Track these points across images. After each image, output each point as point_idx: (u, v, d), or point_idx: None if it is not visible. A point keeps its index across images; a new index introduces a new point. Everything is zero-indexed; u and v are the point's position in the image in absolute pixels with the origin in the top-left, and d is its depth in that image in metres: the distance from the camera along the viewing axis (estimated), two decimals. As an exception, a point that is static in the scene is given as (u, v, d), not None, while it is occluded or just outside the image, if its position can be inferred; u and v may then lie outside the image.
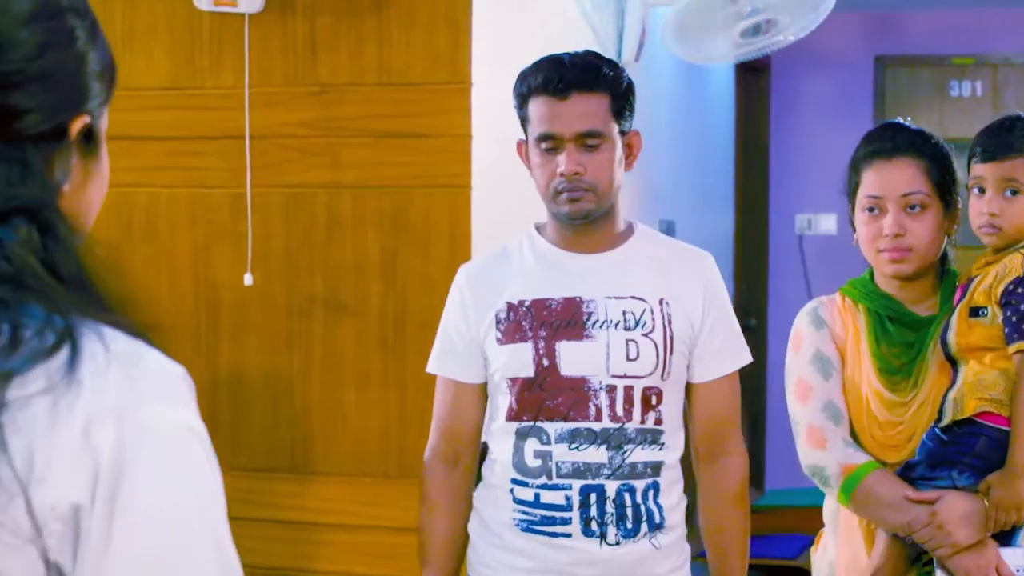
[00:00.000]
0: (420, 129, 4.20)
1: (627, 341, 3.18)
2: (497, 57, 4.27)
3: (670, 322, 3.21)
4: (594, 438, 3.16)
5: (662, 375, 3.21)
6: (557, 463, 3.17)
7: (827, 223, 9.10)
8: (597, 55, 3.27)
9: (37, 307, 1.36)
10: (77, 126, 1.47)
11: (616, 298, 3.21)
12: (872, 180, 3.29)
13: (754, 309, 8.90)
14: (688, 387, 3.31)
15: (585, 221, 3.21)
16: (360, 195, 4.28)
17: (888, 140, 3.31)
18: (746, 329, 3.62)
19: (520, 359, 3.20)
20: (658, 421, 3.21)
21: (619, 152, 3.20)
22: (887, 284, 3.34)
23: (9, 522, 1.25)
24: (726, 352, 3.30)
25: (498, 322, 3.24)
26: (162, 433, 1.38)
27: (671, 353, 3.21)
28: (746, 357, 3.36)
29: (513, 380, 3.22)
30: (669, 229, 6.65)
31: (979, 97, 9.03)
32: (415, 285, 4.23)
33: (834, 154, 9.14)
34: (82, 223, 1.50)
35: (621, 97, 3.20)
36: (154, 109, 4.45)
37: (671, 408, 3.24)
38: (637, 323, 3.19)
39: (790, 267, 9.07)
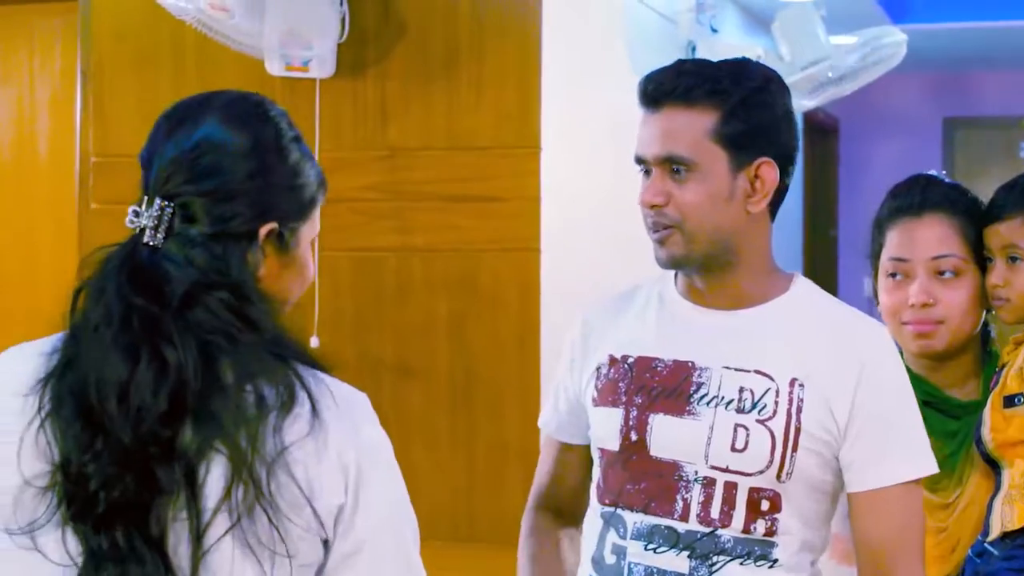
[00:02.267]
0: (489, 192, 4.21)
1: (736, 426, 2.46)
2: (566, 120, 4.28)
3: (799, 410, 2.45)
4: (675, 540, 2.48)
5: (779, 475, 2.45)
6: (630, 564, 2.51)
7: (897, 285, 9.04)
8: (738, 62, 2.56)
9: (253, 358, 1.86)
10: (264, 231, 1.96)
11: (736, 370, 2.50)
12: (897, 241, 2.84)
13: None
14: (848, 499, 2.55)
15: (682, 269, 2.56)
16: (429, 258, 4.29)
17: (916, 195, 2.86)
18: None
19: (608, 427, 2.57)
20: (770, 532, 2.46)
21: (722, 185, 2.46)
22: (918, 364, 2.84)
23: (302, 523, 1.84)
24: (889, 455, 2.48)
25: (598, 378, 2.62)
26: (378, 447, 1.97)
27: (794, 449, 2.44)
28: (924, 466, 2.50)
29: (602, 452, 2.60)
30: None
31: (1049, 159, 8.99)
32: (484, 347, 4.23)
33: (903, 216, 9.15)
34: (279, 301, 2.02)
35: (737, 116, 2.46)
36: (225, 173, 4.48)
37: (795, 520, 2.48)
38: (754, 405, 2.47)
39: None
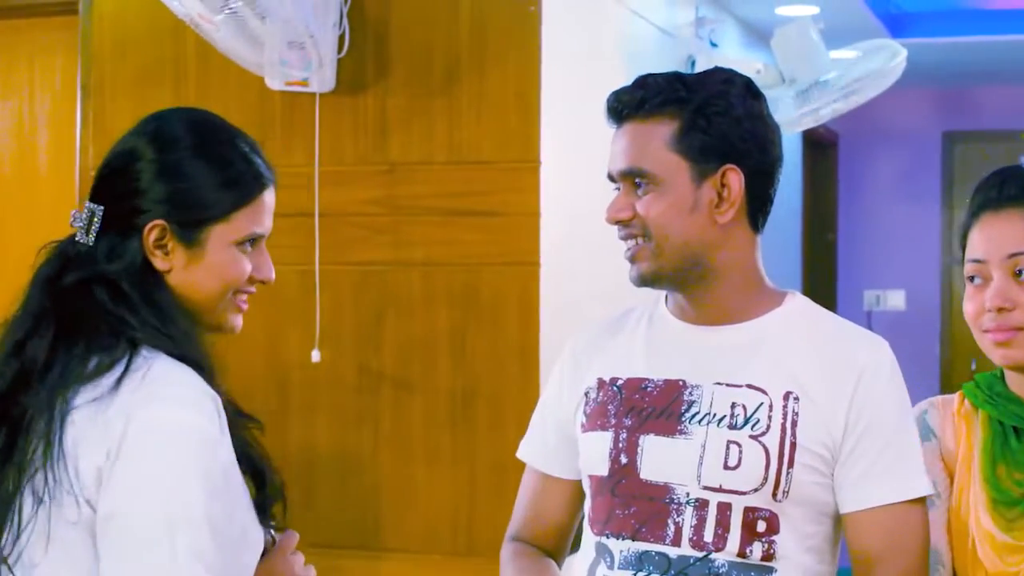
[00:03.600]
0: (490, 207, 4.21)
1: (728, 443, 2.35)
2: (566, 135, 4.29)
3: (795, 424, 2.34)
4: (667, 567, 2.34)
5: (774, 493, 2.33)
6: None
7: (895, 299, 9.06)
8: (704, 72, 2.50)
9: (110, 338, 2.09)
10: (149, 228, 2.15)
11: (728, 385, 2.39)
12: (976, 240, 2.49)
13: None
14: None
15: (656, 286, 2.47)
16: (429, 273, 4.29)
17: (994, 189, 2.50)
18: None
19: (597, 452, 2.45)
20: (768, 556, 2.33)
21: (685, 195, 2.38)
22: (1019, 382, 2.48)
23: (67, 479, 2.01)
24: (884, 474, 2.36)
25: (587, 403, 2.51)
26: (160, 425, 2.03)
27: (790, 465, 2.33)
28: (917, 487, 2.38)
29: (591, 479, 2.48)
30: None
31: (1049, 172, 8.99)
32: (484, 362, 4.23)
33: (902, 230, 9.18)
34: (188, 294, 2.19)
35: (696, 125, 2.38)
36: (226, 188, 4.49)
37: (795, 543, 2.36)
38: (747, 421, 2.36)
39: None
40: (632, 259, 2.43)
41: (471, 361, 4.25)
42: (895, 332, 8.92)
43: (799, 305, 2.49)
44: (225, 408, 2.14)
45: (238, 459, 2.16)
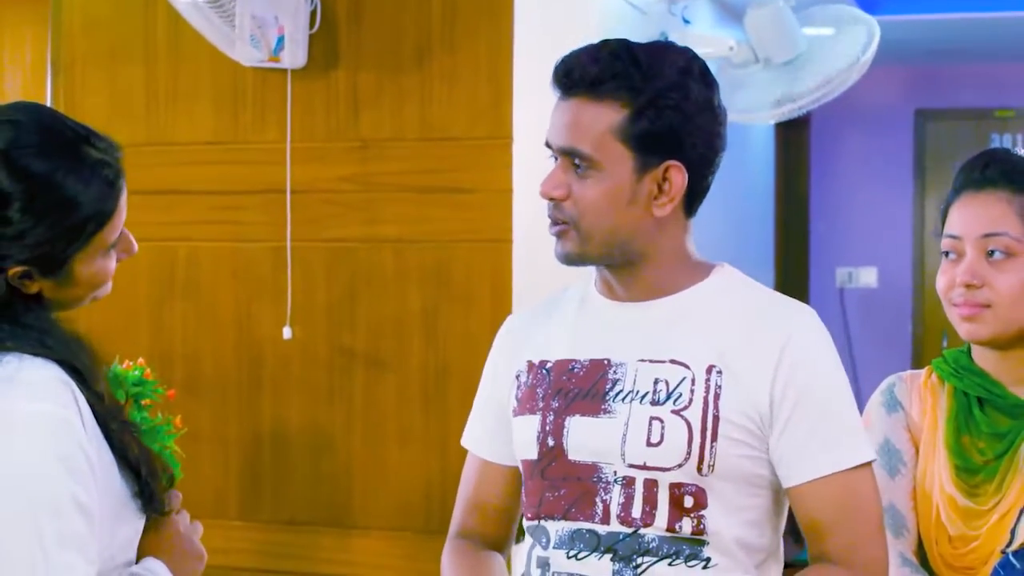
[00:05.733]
0: (462, 184, 4.21)
1: (651, 419, 2.31)
2: (539, 112, 4.27)
3: (717, 396, 2.29)
4: (596, 544, 2.32)
5: (699, 468, 2.28)
6: (554, 574, 2.37)
7: (867, 276, 9.07)
8: (659, 50, 2.37)
9: None
10: (12, 273, 2.09)
11: (651, 362, 2.34)
12: (954, 217, 2.58)
13: (795, 363, 8.85)
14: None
15: (580, 265, 2.41)
16: (401, 250, 4.29)
17: (977, 170, 2.58)
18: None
19: (526, 435, 2.42)
20: (698, 531, 2.29)
21: (624, 187, 2.31)
22: (984, 357, 2.59)
23: None
24: (824, 444, 2.30)
25: (518, 387, 2.48)
26: (15, 416, 1.99)
27: (714, 439, 2.28)
28: (857, 454, 2.32)
29: (524, 464, 2.45)
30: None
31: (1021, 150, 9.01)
32: (456, 340, 4.23)
33: (874, 207, 9.20)
34: (63, 302, 2.17)
35: (646, 117, 2.30)
36: (197, 164, 4.48)
37: (726, 517, 2.32)
38: (668, 396, 2.31)
39: (830, 321, 8.95)
40: (558, 236, 2.36)
41: (444, 339, 4.25)
42: (867, 309, 8.95)
43: (725, 277, 2.43)
44: (102, 409, 2.11)
45: (117, 460, 2.11)
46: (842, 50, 5.21)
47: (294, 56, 4.25)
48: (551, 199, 2.34)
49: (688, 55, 2.37)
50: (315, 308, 4.37)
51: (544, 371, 2.43)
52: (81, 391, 2.08)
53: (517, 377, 2.49)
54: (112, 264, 2.20)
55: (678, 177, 2.32)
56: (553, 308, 2.53)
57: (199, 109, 4.48)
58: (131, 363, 3.62)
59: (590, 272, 2.48)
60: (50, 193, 2.07)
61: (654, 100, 2.29)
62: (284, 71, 4.32)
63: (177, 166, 4.48)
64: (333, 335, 4.36)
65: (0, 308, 2.10)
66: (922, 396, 2.64)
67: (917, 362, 8.80)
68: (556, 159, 2.36)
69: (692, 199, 2.38)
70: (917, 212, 9.13)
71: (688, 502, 2.29)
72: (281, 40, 4.21)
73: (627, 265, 2.37)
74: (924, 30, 8.01)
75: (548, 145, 2.37)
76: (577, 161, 2.31)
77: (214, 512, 4.29)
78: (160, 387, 3.64)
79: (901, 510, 2.57)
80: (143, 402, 3.59)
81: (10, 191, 2.05)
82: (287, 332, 4.32)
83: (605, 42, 2.35)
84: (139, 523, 2.17)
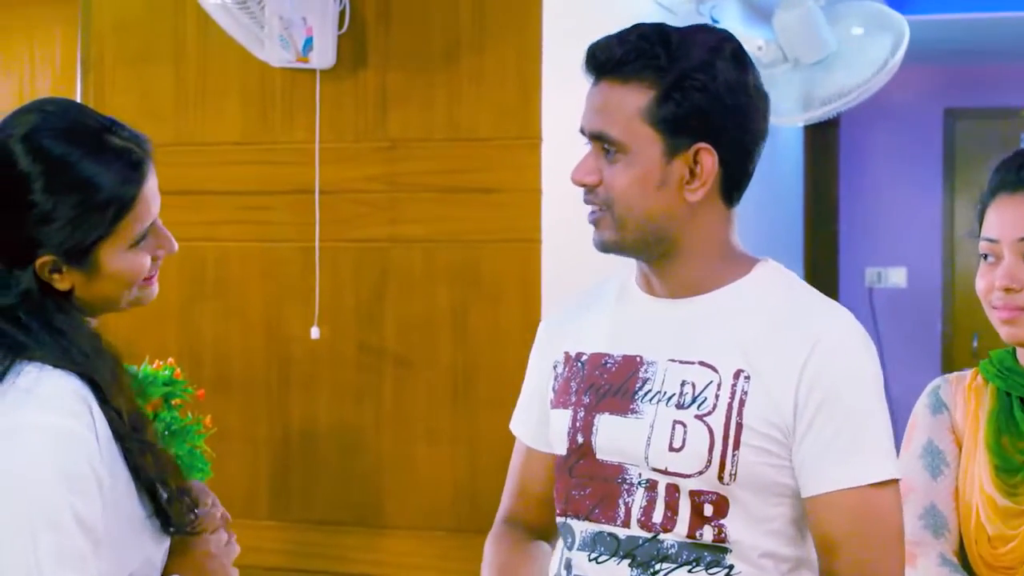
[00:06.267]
0: (490, 184, 4.21)
1: (674, 423, 2.24)
2: (567, 111, 4.27)
3: (742, 403, 2.21)
4: (616, 548, 2.28)
5: (720, 476, 2.21)
6: None
7: (896, 276, 9.05)
8: (691, 31, 2.30)
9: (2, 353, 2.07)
10: (40, 263, 2.10)
11: (681, 362, 2.28)
12: (991, 220, 2.56)
13: (824, 363, 8.83)
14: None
15: (617, 254, 2.35)
16: (430, 249, 4.29)
17: (1013, 170, 2.56)
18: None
19: (558, 430, 2.39)
20: (720, 539, 2.23)
21: (654, 170, 2.25)
22: None
23: None
24: (841, 456, 2.20)
25: (555, 378, 2.46)
26: (22, 428, 1.98)
27: (736, 447, 2.21)
28: (878, 470, 2.20)
29: (555, 457, 2.43)
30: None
31: (1051, 149, 8.97)
32: (485, 340, 4.23)
33: (904, 207, 9.17)
34: (95, 302, 2.16)
35: (672, 98, 2.24)
36: (226, 164, 4.49)
37: (748, 526, 2.24)
38: (694, 400, 2.24)
39: (860, 320, 8.99)
40: (595, 224, 2.31)
41: (472, 338, 4.25)
42: (896, 309, 8.92)
43: (766, 275, 2.35)
44: (119, 426, 2.08)
45: (133, 476, 2.09)
46: (871, 51, 5.20)
47: (322, 56, 4.25)
48: (583, 185, 2.30)
49: (721, 35, 2.31)
50: (343, 308, 4.37)
51: (579, 364, 2.39)
52: (100, 405, 2.06)
53: (555, 367, 2.45)
54: (143, 260, 2.18)
55: (708, 160, 2.25)
56: (594, 299, 2.48)
57: (228, 109, 4.49)
58: (161, 363, 3.62)
59: (630, 264, 2.43)
60: (68, 172, 2.08)
61: (680, 80, 2.22)
62: (312, 71, 4.33)
63: (206, 166, 4.49)
64: (362, 335, 4.36)
65: (31, 308, 2.10)
66: (966, 397, 2.62)
67: (946, 362, 8.77)
68: (589, 146, 2.31)
69: (730, 187, 2.32)
70: (946, 212, 9.11)
71: (708, 510, 2.22)
72: (310, 40, 4.21)
73: (663, 257, 2.31)
74: (953, 30, 7.99)
75: (582, 132, 2.32)
76: (606, 146, 2.26)
77: (244, 512, 4.30)
78: (190, 387, 3.64)
79: (943, 511, 2.55)
80: (173, 402, 3.59)
81: (29, 171, 2.07)
82: (315, 332, 4.32)
83: (637, 25, 2.30)
84: (162, 543, 2.15)
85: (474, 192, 4.23)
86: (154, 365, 3.61)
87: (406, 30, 4.31)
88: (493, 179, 4.21)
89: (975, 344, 8.57)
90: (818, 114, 5.16)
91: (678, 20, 5.49)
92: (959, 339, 8.89)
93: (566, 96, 4.28)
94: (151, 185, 2.16)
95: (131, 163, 2.13)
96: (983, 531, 2.51)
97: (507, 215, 4.19)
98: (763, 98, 2.33)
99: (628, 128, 2.24)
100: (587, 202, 2.31)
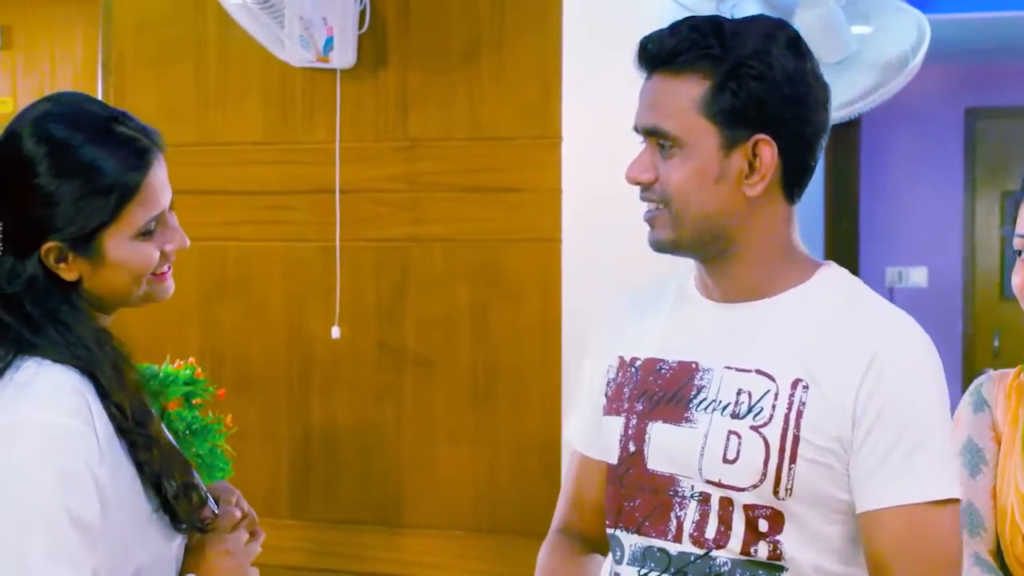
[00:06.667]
0: (510, 183, 4.21)
1: (729, 433, 2.13)
2: (587, 111, 4.28)
3: (800, 415, 2.10)
4: (667, 564, 2.17)
5: (775, 490, 2.10)
6: None
7: (918, 276, 9.03)
8: (744, 21, 2.23)
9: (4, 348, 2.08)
10: (45, 248, 2.10)
11: (737, 370, 2.17)
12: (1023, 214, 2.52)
13: (844, 363, 8.82)
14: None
15: (674, 254, 2.24)
16: (450, 249, 4.29)
17: None
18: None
19: (609, 438, 2.28)
20: (775, 556, 2.11)
21: (711, 164, 2.15)
22: None
23: None
24: (896, 471, 2.07)
25: (608, 383, 2.34)
26: (18, 424, 1.98)
27: (792, 461, 2.09)
28: (935, 489, 2.08)
29: (607, 467, 2.31)
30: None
31: (1072, 149, 8.95)
32: (505, 339, 4.23)
33: (925, 207, 9.15)
34: (103, 294, 2.15)
35: (728, 88, 2.13)
36: (246, 164, 4.50)
37: (805, 543, 2.12)
38: (750, 409, 2.13)
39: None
40: (651, 223, 2.20)
41: (493, 338, 4.25)
42: (917, 309, 8.84)
43: (829, 280, 2.23)
44: (122, 422, 2.07)
45: (137, 471, 2.08)
46: (892, 51, 5.18)
47: (343, 56, 4.26)
48: (637, 183, 2.20)
49: (774, 23, 2.23)
50: (364, 307, 4.38)
51: (633, 369, 2.28)
52: (100, 401, 2.06)
53: (607, 372, 2.34)
54: (150, 252, 2.16)
55: (768, 152, 2.14)
56: (651, 300, 2.36)
57: (249, 109, 4.50)
58: (182, 362, 3.63)
59: (680, 264, 2.32)
60: (71, 156, 2.09)
61: (735, 70, 2.13)
62: (333, 71, 4.33)
63: (226, 166, 4.50)
64: (382, 334, 4.37)
65: (36, 297, 2.10)
66: (1007, 395, 2.55)
67: (967, 362, 8.75)
68: (644, 143, 2.22)
69: (791, 182, 2.21)
70: (967, 211, 9.08)
71: (763, 526, 2.11)
72: (330, 40, 4.22)
73: (720, 257, 2.20)
74: (974, 29, 7.97)
75: (636, 130, 2.22)
76: (661, 141, 2.16)
77: (265, 511, 4.29)
78: (210, 386, 3.65)
79: (980, 509, 2.49)
80: (194, 401, 3.60)
81: (33, 154, 2.08)
82: (336, 331, 4.33)
83: (689, 17, 2.22)
84: (172, 539, 2.13)
85: (494, 192, 4.23)
86: (175, 364, 3.62)
87: (426, 29, 4.32)
88: (513, 178, 4.21)
89: (996, 343, 8.55)
90: (840, 115, 5.14)
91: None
92: (980, 338, 8.86)
93: (586, 95, 4.28)
94: (158, 175, 2.16)
95: (136, 151, 2.13)
96: (1018, 531, 2.44)
97: (527, 214, 4.19)
98: (823, 87, 2.25)
99: (683, 121, 2.14)
100: (643, 199, 2.21)
